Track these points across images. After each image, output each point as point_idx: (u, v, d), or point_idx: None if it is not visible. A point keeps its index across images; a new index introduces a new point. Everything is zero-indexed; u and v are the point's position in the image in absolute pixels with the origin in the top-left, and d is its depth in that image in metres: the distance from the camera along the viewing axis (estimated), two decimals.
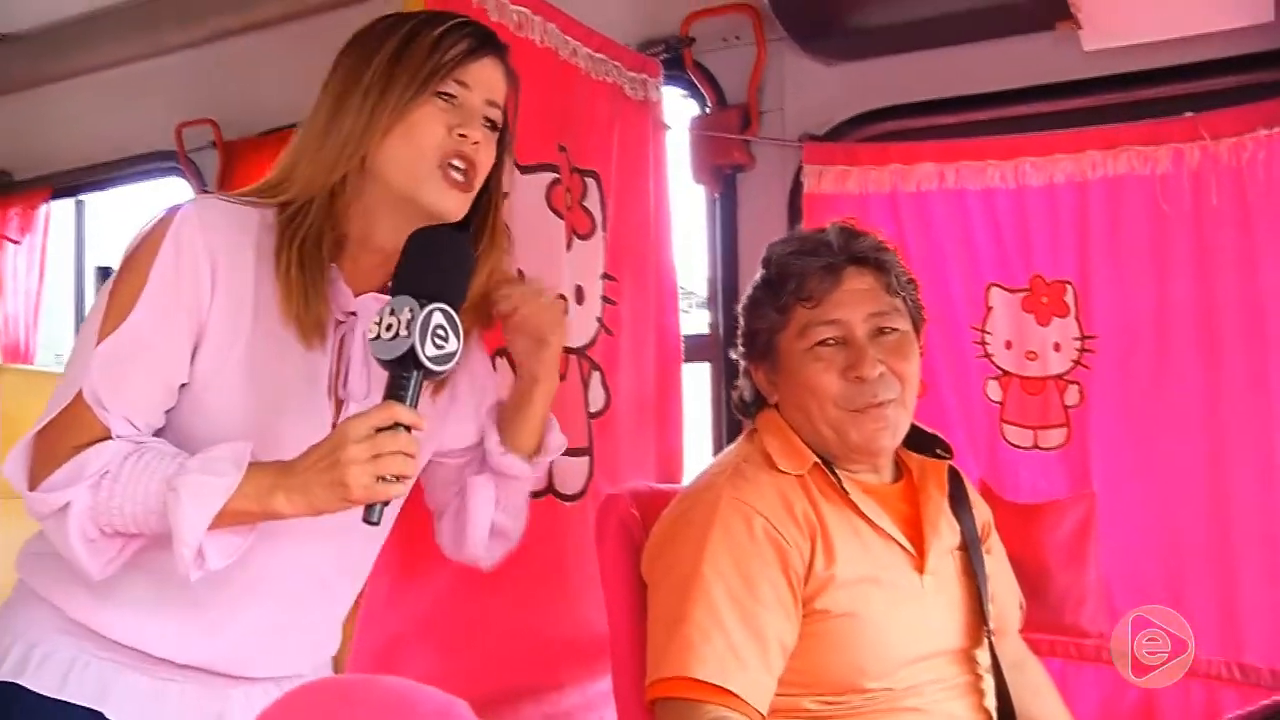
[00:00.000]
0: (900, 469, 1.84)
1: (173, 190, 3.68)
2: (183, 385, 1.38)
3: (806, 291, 1.74)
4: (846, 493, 1.71)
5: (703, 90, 2.65)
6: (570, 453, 2.11)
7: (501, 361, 1.83)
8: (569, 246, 2.15)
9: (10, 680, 1.38)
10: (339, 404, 1.45)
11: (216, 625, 1.42)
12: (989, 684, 1.75)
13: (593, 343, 2.22)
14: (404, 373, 1.27)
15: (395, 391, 1.27)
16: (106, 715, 1.38)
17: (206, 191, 3.34)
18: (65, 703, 1.38)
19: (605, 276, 2.27)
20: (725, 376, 2.01)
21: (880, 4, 2.40)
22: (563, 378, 2.08)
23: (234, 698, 1.46)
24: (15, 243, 3.93)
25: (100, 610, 1.40)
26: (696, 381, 2.65)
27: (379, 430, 1.24)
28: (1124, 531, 2.28)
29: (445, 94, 1.43)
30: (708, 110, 2.66)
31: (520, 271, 2.03)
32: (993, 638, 1.75)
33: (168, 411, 1.39)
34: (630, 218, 2.38)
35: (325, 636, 1.59)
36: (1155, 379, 2.27)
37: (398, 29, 1.45)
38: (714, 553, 1.61)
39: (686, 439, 2.54)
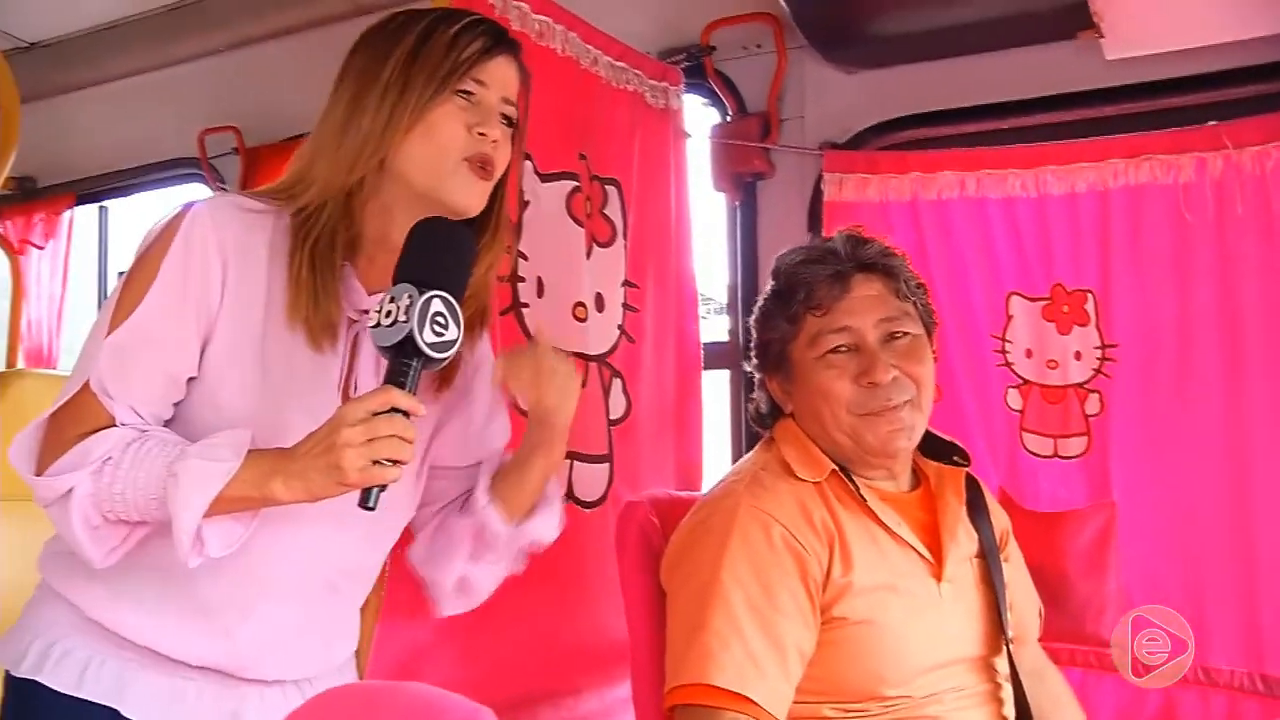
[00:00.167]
0: (918, 476, 1.83)
1: (195, 197, 3.69)
2: (193, 379, 1.39)
3: (816, 300, 1.75)
4: (864, 500, 1.71)
5: (723, 98, 2.66)
6: (590, 459, 2.12)
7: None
8: (589, 254, 2.16)
9: (29, 677, 1.40)
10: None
11: (227, 628, 1.43)
12: (1008, 693, 1.75)
13: (614, 349, 2.23)
14: (403, 359, 1.26)
15: (394, 377, 1.26)
16: (123, 713, 1.39)
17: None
18: (83, 700, 1.38)
19: (627, 284, 2.28)
20: (745, 384, 2.02)
21: (901, 12, 2.39)
22: (582, 385, 2.10)
23: (249, 698, 1.47)
24: (39, 248, 3.96)
25: (116, 610, 1.41)
26: (716, 388, 2.66)
27: (376, 414, 1.23)
28: (1144, 541, 2.28)
29: (464, 92, 1.43)
30: (728, 118, 2.66)
31: (540, 279, 2.05)
32: (1011, 646, 1.75)
33: (179, 405, 1.40)
34: (651, 225, 2.39)
35: (337, 638, 1.59)
36: (1176, 388, 2.26)
37: (412, 27, 1.45)
38: (733, 561, 1.61)
39: (706, 446, 2.54)
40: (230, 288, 1.38)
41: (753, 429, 1.96)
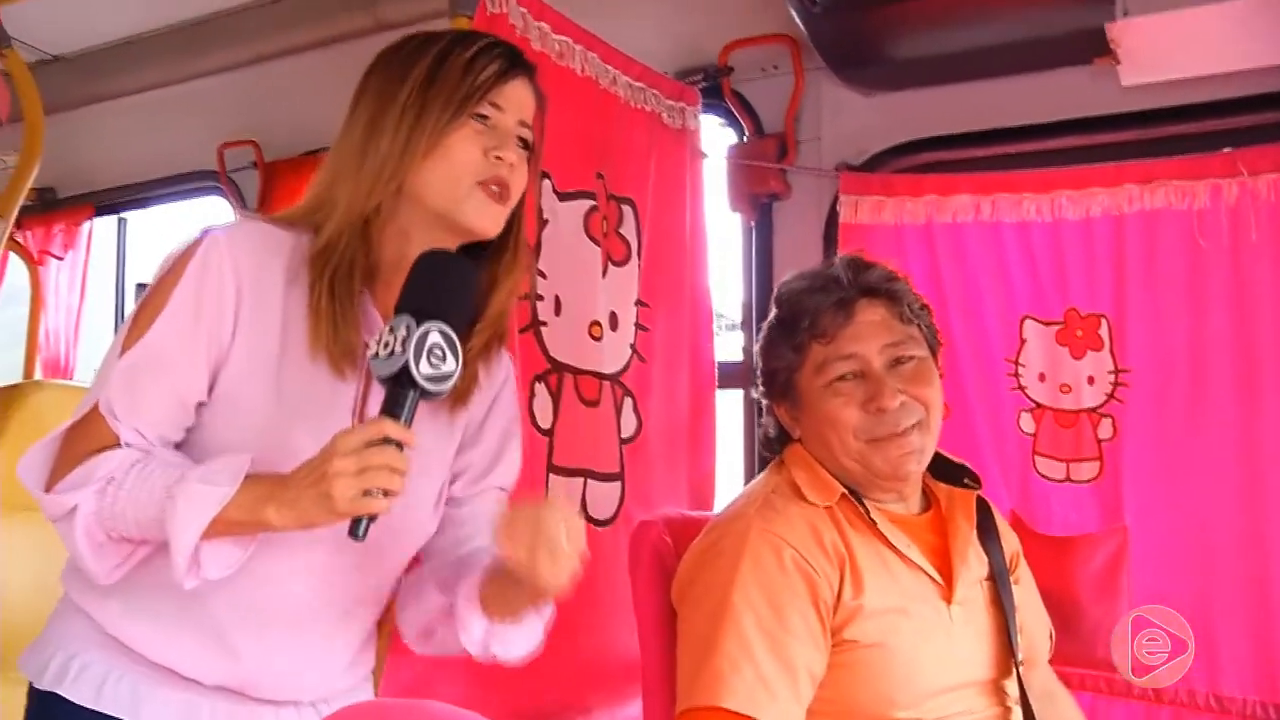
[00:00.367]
0: (928, 499, 1.83)
1: (213, 209, 3.72)
2: (202, 404, 1.40)
3: (820, 328, 1.75)
4: (874, 523, 1.71)
5: (740, 119, 2.67)
6: (603, 478, 2.13)
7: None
8: (604, 273, 2.17)
9: (51, 689, 1.42)
10: None
11: (236, 650, 1.43)
12: (1018, 716, 1.74)
13: (626, 369, 2.24)
14: (400, 390, 1.26)
15: (390, 408, 1.26)
16: None
17: (246, 210, 3.39)
18: (100, 713, 1.40)
19: (639, 303, 2.29)
20: (757, 403, 2.03)
21: (918, 36, 2.41)
22: (595, 403, 2.10)
23: (264, 717, 1.48)
24: (58, 259, 3.98)
25: (132, 626, 1.42)
26: (730, 408, 2.66)
27: (369, 444, 1.23)
28: (1157, 566, 2.27)
29: (480, 116, 1.42)
30: (745, 139, 2.67)
31: (558, 298, 2.06)
32: (1021, 669, 1.75)
33: (191, 429, 1.41)
34: (666, 245, 2.40)
35: (352, 661, 1.59)
36: (1190, 414, 2.26)
37: (428, 50, 1.44)
38: (744, 583, 1.62)
39: (720, 465, 2.55)
40: (244, 314, 1.38)
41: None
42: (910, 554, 1.71)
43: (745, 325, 2.72)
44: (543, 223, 2.01)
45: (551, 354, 2.04)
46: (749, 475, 2.63)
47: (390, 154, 1.40)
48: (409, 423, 1.26)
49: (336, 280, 1.39)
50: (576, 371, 2.09)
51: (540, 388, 1.99)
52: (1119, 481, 2.32)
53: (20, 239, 3.94)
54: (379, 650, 1.65)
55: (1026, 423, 2.41)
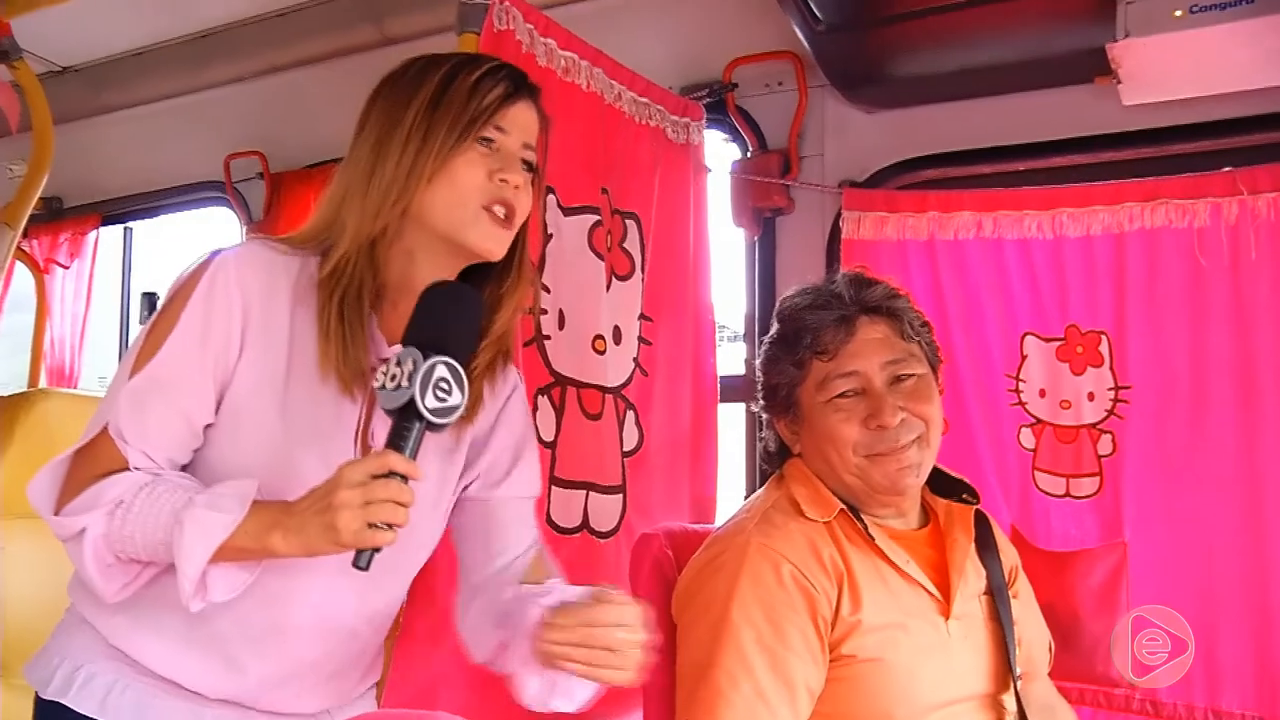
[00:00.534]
0: (927, 514, 1.85)
1: (219, 220, 3.73)
2: (210, 426, 1.41)
3: (821, 345, 1.76)
4: (873, 539, 1.72)
5: (744, 134, 2.68)
6: (605, 490, 2.14)
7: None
8: (608, 287, 2.18)
9: (56, 699, 1.43)
10: (366, 450, 1.46)
11: (243, 666, 1.45)
12: None
13: (628, 382, 2.24)
14: (405, 423, 1.27)
15: (395, 440, 1.26)
16: None
17: (252, 221, 3.41)
18: None
19: (642, 317, 2.30)
20: (759, 417, 2.04)
21: (921, 54, 2.42)
22: (598, 416, 2.11)
23: None
24: (64, 268, 3.99)
25: (137, 639, 1.44)
26: (732, 421, 2.67)
27: (374, 477, 1.24)
28: (1157, 582, 2.27)
29: (485, 139, 1.43)
30: (749, 154, 2.68)
31: (562, 312, 2.07)
32: (1019, 683, 1.76)
33: (199, 450, 1.42)
34: (669, 259, 2.41)
35: (358, 678, 1.61)
36: (1190, 431, 2.26)
37: (432, 73, 1.45)
38: (743, 599, 1.63)
39: (722, 478, 2.55)
40: (251, 336, 1.40)
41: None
42: (908, 569, 1.72)
43: (748, 339, 2.73)
44: (547, 237, 2.02)
45: (555, 367, 2.05)
46: (751, 488, 2.64)
47: (396, 177, 1.41)
48: (414, 455, 1.27)
49: (346, 302, 1.40)
50: (579, 385, 2.10)
51: (543, 401, 2.00)
52: (1119, 497, 2.33)
53: (26, 247, 3.94)
54: (383, 662, 1.66)
55: (1027, 438, 2.42)
